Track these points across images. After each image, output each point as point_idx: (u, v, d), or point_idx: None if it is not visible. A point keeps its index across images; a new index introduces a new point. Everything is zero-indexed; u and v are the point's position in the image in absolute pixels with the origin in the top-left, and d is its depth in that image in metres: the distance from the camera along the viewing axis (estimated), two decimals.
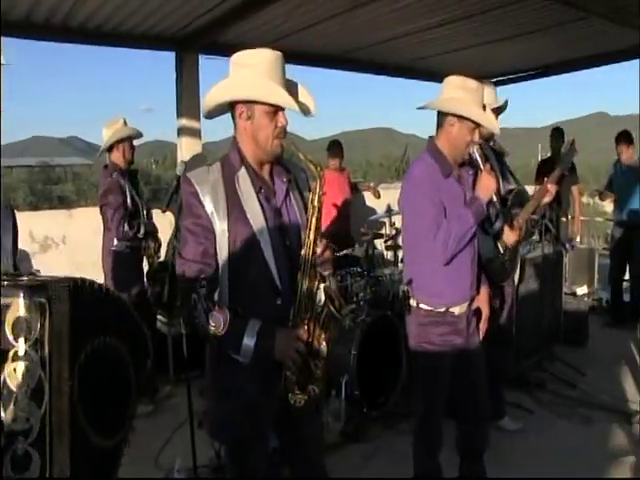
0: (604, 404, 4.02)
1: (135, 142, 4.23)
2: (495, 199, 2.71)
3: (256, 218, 1.84)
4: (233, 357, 1.79)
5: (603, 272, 6.64)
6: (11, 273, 1.90)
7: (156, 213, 4.27)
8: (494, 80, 7.91)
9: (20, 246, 2.37)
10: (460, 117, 2.47)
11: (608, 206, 9.34)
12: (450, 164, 2.54)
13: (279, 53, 1.85)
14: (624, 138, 5.94)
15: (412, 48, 6.66)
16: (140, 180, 4.40)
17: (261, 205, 1.86)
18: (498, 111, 3.33)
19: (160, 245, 4.29)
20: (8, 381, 1.38)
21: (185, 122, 6.24)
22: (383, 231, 5.79)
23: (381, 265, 5.05)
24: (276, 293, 1.85)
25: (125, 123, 4.14)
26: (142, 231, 4.10)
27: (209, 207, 1.81)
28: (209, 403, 2.03)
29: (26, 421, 1.39)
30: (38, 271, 3.88)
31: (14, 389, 1.38)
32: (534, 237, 4.90)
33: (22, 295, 1.39)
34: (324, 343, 1.83)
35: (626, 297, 6.08)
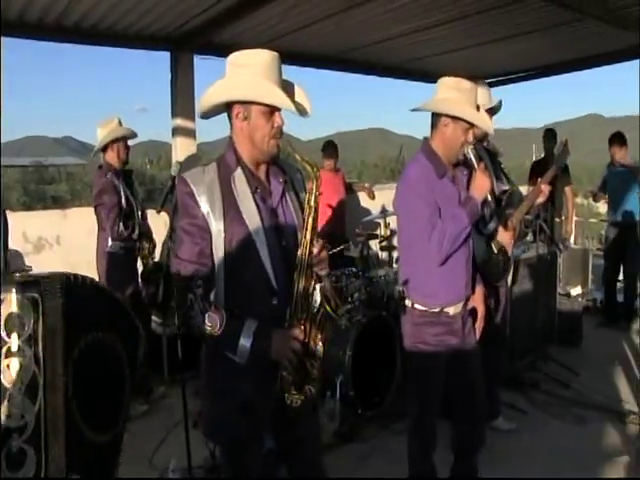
0: (597, 404, 4.04)
1: (129, 142, 4.22)
2: (490, 198, 2.72)
3: (252, 218, 1.84)
4: (229, 357, 1.79)
5: (597, 272, 6.67)
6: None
7: (151, 214, 4.26)
8: (489, 81, 7.94)
9: (14, 246, 2.37)
10: (454, 118, 2.48)
11: (602, 207, 9.39)
12: (444, 165, 2.55)
13: (276, 54, 1.85)
14: (617, 139, 5.96)
15: (407, 49, 6.67)
16: (135, 180, 4.39)
17: (257, 205, 1.86)
18: (492, 112, 3.34)
19: (155, 246, 4.28)
20: (2, 378, 1.37)
21: (180, 122, 6.22)
22: (378, 232, 5.80)
23: (376, 266, 5.06)
24: (272, 293, 1.85)
25: (120, 123, 4.13)
26: (137, 232, 4.09)
27: (205, 207, 1.81)
28: (204, 403, 2.03)
29: (21, 418, 1.38)
30: (30, 268, 3.88)
31: (8, 386, 1.37)
32: (528, 237, 4.93)
33: (14, 291, 1.39)
34: (320, 343, 1.84)
35: (620, 297, 6.11)
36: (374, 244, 5.62)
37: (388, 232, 5.28)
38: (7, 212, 2.51)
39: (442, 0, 5.01)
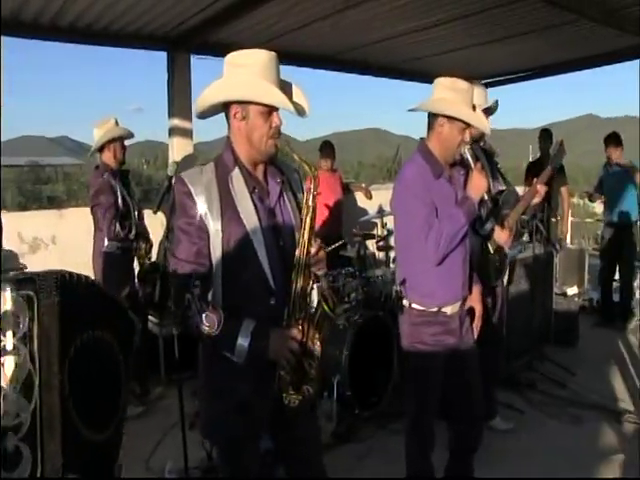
0: (594, 403, 4.05)
1: (126, 142, 4.21)
2: (486, 197, 2.72)
3: (250, 218, 1.84)
4: (227, 357, 1.79)
5: (593, 272, 6.69)
6: None
7: (147, 214, 4.25)
8: (487, 81, 7.96)
9: (9, 247, 2.36)
10: (450, 118, 2.48)
11: (598, 207, 9.42)
12: (441, 165, 2.55)
13: (274, 53, 1.85)
14: (613, 140, 5.98)
15: (405, 49, 6.67)
16: (131, 180, 4.38)
17: (255, 205, 1.86)
18: (488, 112, 3.35)
19: (151, 246, 4.27)
20: None
21: (176, 122, 6.22)
22: (375, 232, 5.80)
23: (373, 266, 5.06)
24: (270, 293, 1.85)
25: (116, 123, 4.12)
26: (133, 232, 4.08)
27: (203, 207, 1.81)
28: (202, 403, 2.03)
29: (16, 416, 1.37)
30: (25, 267, 3.86)
31: (3, 384, 1.36)
32: (524, 238, 4.93)
33: (9, 288, 1.38)
34: (318, 343, 1.84)
35: (616, 297, 6.13)
36: (371, 244, 5.62)
37: (385, 232, 5.28)
38: (2, 212, 2.51)
39: (440, 0, 5.01)
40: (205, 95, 1.88)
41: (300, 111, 1.91)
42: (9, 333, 1.37)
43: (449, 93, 2.50)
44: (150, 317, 4.51)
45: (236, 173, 1.87)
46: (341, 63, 7.35)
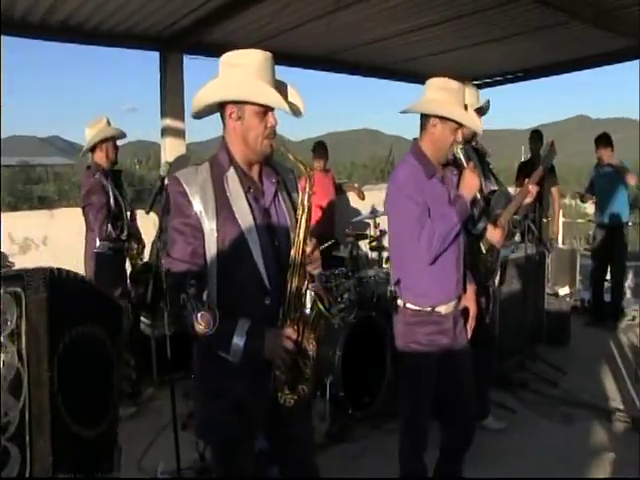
0: (585, 402, 4.07)
1: (118, 142, 4.19)
2: (479, 196, 2.73)
3: (245, 218, 1.84)
4: (222, 357, 1.79)
5: (585, 273, 6.73)
6: None
7: (140, 214, 4.24)
8: (479, 82, 7.99)
9: None
10: (442, 118, 2.49)
11: (589, 207, 9.47)
12: (433, 165, 2.56)
13: (269, 54, 1.86)
14: (603, 141, 6.00)
15: (398, 50, 6.69)
16: (124, 181, 4.36)
17: (250, 205, 1.87)
18: (480, 112, 3.36)
19: (144, 246, 4.26)
20: None
21: (169, 122, 6.20)
22: (368, 232, 5.81)
23: (365, 266, 5.07)
24: (265, 293, 1.86)
25: (108, 123, 4.10)
26: (125, 232, 4.06)
27: (198, 207, 1.81)
28: (197, 403, 2.03)
29: (4, 415, 1.36)
30: (13, 264, 3.84)
31: None
32: (516, 238, 4.95)
33: None
34: (314, 343, 1.84)
35: (607, 297, 6.16)
36: (364, 244, 5.63)
37: (378, 232, 5.28)
38: None
39: (433, 1, 5.03)
40: (200, 95, 1.89)
41: (295, 111, 1.92)
42: None
43: (441, 93, 2.51)
44: (142, 318, 4.49)
45: (231, 173, 1.87)
46: (334, 63, 7.35)
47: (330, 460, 3.29)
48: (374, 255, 5.48)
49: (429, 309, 2.56)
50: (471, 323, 2.76)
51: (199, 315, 1.74)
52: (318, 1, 4.90)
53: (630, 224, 6.45)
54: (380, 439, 3.57)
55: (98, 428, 1.67)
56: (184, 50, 6.13)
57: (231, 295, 1.84)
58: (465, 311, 2.74)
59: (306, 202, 1.84)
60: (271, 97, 1.81)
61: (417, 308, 2.57)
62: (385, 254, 5.28)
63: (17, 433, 1.37)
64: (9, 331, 1.37)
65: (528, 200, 3.23)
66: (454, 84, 2.52)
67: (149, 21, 5.32)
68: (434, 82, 2.55)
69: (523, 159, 8.38)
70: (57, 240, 5.21)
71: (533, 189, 3.18)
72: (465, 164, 2.59)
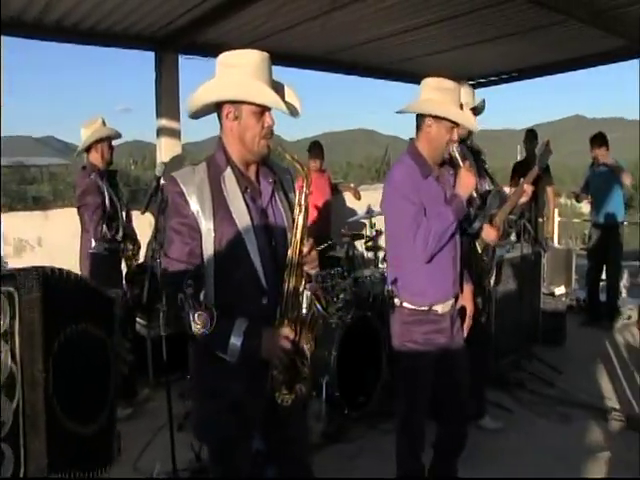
0: (581, 402, 4.08)
1: (113, 142, 4.17)
2: (475, 195, 2.73)
3: (242, 218, 1.84)
4: (219, 357, 1.79)
5: (581, 272, 6.74)
6: None
7: (135, 214, 4.22)
8: (475, 82, 8.00)
9: None
10: (437, 118, 2.49)
11: (585, 207, 9.49)
12: (429, 165, 2.56)
13: (266, 54, 1.85)
14: (599, 140, 6.00)
15: (393, 50, 6.70)
16: (119, 181, 4.35)
17: (247, 205, 1.87)
18: (475, 111, 3.36)
19: (139, 247, 4.24)
20: None
21: (164, 122, 6.19)
22: (363, 232, 5.81)
23: (361, 266, 5.06)
24: (262, 292, 1.86)
25: (104, 123, 4.08)
26: (120, 233, 4.05)
27: (195, 207, 1.81)
28: (194, 403, 2.03)
29: None
30: (7, 264, 3.82)
31: None
32: (512, 237, 4.96)
33: None
34: (311, 342, 1.84)
35: (602, 297, 6.17)
36: (360, 244, 5.63)
37: (374, 232, 5.28)
38: None
39: (429, 1, 5.03)
40: (197, 95, 1.88)
41: (293, 111, 1.92)
42: None
43: (436, 93, 2.51)
44: (138, 319, 4.48)
45: (228, 173, 1.87)
46: (330, 63, 7.36)
47: (326, 460, 3.29)
48: (370, 255, 5.49)
49: (426, 308, 2.56)
50: (468, 323, 2.76)
51: (196, 315, 1.74)
52: (313, 2, 4.90)
53: (626, 223, 6.47)
54: (376, 439, 3.57)
55: (96, 424, 1.66)
56: (179, 50, 6.12)
57: (228, 295, 1.84)
58: (462, 310, 2.74)
59: (303, 202, 1.84)
60: (268, 97, 1.81)
61: (414, 307, 2.57)
62: (381, 254, 5.28)
63: (10, 433, 1.36)
64: (2, 331, 1.36)
65: (523, 200, 3.23)
66: (449, 83, 2.52)
67: (144, 21, 5.31)
68: (429, 82, 2.56)
69: (519, 158, 8.40)
70: (52, 241, 5.18)
71: (528, 189, 3.18)
72: (461, 163, 2.59)
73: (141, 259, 4.28)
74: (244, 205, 1.85)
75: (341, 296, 4.23)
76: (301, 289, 1.84)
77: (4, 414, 1.36)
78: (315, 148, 6.07)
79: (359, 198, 6.39)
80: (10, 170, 25.29)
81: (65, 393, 1.50)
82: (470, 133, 3.40)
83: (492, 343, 4.24)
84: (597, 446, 3.55)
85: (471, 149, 3.53)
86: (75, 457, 1.57)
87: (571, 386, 4.33)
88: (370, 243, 5.31)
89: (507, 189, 5.05)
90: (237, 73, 1.82)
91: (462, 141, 3.30)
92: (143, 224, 4.24)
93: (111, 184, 4.09)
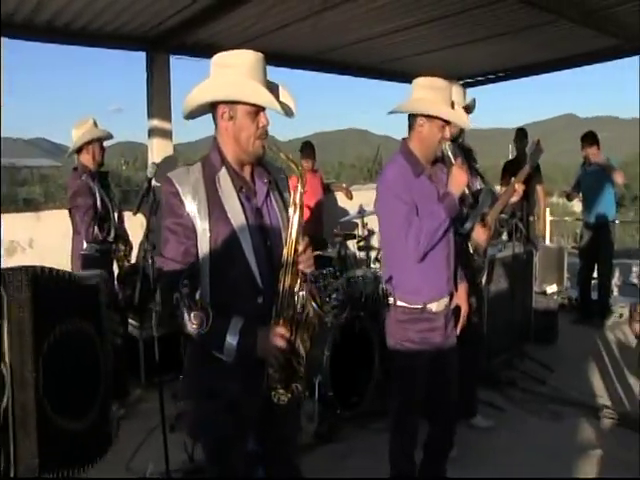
0: (573, 400, 4.10)
1: (105, 143, 4.16)
2: (467, 192, 2.74)
3: (237, 217, 1.84)
4: (215, 356, 1.80)
5: (572, 271, 6.78)
6: None
7: (127, 215, 4.21)
8: (467, 81, 8.02)
9: None
10: (429, 117, 2.50)
11: (577, 205, 9.55)
12: (422, 164, 2.57)
13: (261, 54, 1.86)
14: (589, 139, 6.03)
15: (384, 50, 6.70)
16: (111, 182, 4.33)
17: (242, 205, 1.87)
18: (467, 110, 3.38)
19: (131, 248, 4.23)
20: None
21: (156, 123, 6.17)
22: (356, 232, 5.82)
23: (353, 266, 5.07)
24: (257, 292, 1.86)
25: (95, 124, 4.07)
26: (112, 234, 4.04)
27: (190, 207, 1.81)
28: (190, 403, 2.02)
29: None
30: None
31: None
32: (503, 237, 4.98)
33: None
34: (307, 341, 1.85)
35: (594, 295, 6.21)
36: (352, 244, 5.64)
37: (366, 232, 5.30)
38: None
39: (420, 1, 5.04)
40: (192, 95, 1.89)
41: (287, 111, 1.93)
42: None
43: (427, 92, 2.52)
44: (130, 320, 4.47)
45: (223, 173, 1.87)
46: (321, 63, 7.36)
47: (318, 460, 3.29)
48: (362, 255, 5.50)
49: (420, 306, 2.57)
50: (462, 322, 2.77)
51: (192, 314, 1.74)
52: (303, 2, 4.90)
53: (617, 222, 6.51)
54: (368, 439, 3.57)
55: (88, 419, 1.65)
56: (171, 50, 6.10)
57: (224, 294, 1.85)
58: (456, 310, 2.75)
59: (298, 201, 1.84)
60: (263, 97, 1.82)
61: (409, 306, 2.58)
62: (373, 254, 5.29)
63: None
64: None
65: (514, 199, 3.24)
66: (440, 82, 2.54)
67: (136, 21, 5.29)
68: (420, 82, 2.57)
69: (511, 157, 8.43)
70: (43, 242, 5.15)
71: (519, 188, 3.19)
72: (453, 161, 2.60)
73: (133, 260, 4.27)
74: (239, 205, 1.86)
75: (333, 296, 4.24)
76: (296, 288, 1.85)
77: None
78: (307, 148, 6.07)
79: (351, 198, 6.40)
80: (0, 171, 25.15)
81: (56, 392, 1.49)
82: (461, 132, 3.42)
83: (484, 342, 4.25)
84: (589, 444, 3.57)
85: (462, 148, 3.55)
86: (67, 454, 1.57)
87: (563, 384, 4.35)
88: (362, 243, 5.32)
89: (497, 188, 5.07)
90: (232, 73, 1.83)
91: (453, 140, 3.31)
92: (135, 225, 4.23)
93: (103, 185, 4.08)
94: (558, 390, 4.26)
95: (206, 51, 5.78)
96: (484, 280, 3.95)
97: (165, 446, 3.00)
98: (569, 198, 6.67)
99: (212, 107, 1.88)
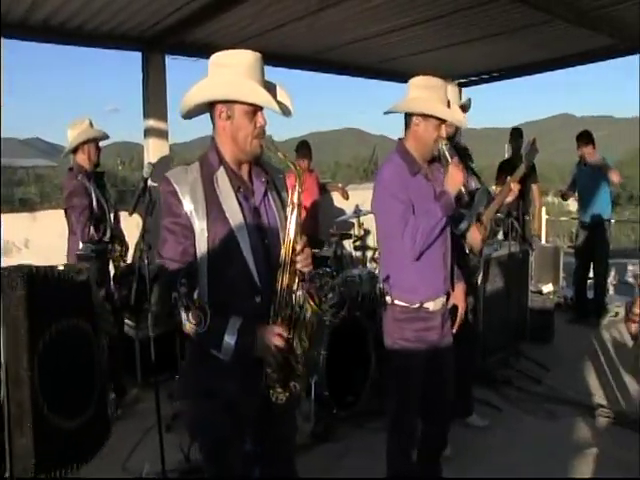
0: (569, 399, 4.11)
1: (101, 143, 4.15)
2: (463, 190, 2.75)
3: (235, 217, 1.85)
4: (213, 355, 1.80)
5: (568, 270, 6.80)
6: None
7: (123, 216, 4.21)
8: (462, 81, 8.03)
9: None
10: (425, 116, 2.51)
11: (572, 205, 9.58)
12: (418, 163, 2.58)
13: (258, 54, 1.87)
14: (585, 138, 6.04)
15: (380, 49, 6.70)
16: (107, 182, 4.33)
17: (240, 204, 1.87)
18: (462, 110, 3.38)
19: (127, 248, 4.23)
20: None
21: (152, 123, 6.16)
22: (352, 232, 5.82)
23: (349, 265, 5.07)
24: (255, 291, 1.86)
25: (91, 124, 4.06)
26: (108, 234, 4.03)
27: (188, 206, 1.82)
28: (188, 402, 2.03)
29: None
30: None
31: None
32: (499, 236, 4.99)
33: None
34: (305, 340, 1.85)
35: (590, 294, 6.22)
36: (348, 244, 5.64)
37: (362, 232, 5.30)
38: None
39: (415, 1, 5.04)
40: (190, 95, 1.89)
41: (285, 111, 1.93)
42: None
43: (423, 92, 2.53)
44: (126, 320, 4.46)
45: (221, 172, 1.88)
46: (317, 63, 7.35)
47: (314, 460, 3.29)
48: (358, 254, 5.50)
49: (417, 305, 2.58)
50: (458, 321, 2.78)
51: (190, 314, 1.75)
52: (299, 2, 4.90)
53: (613, 221, 6.52)
54: (364, 438, 3.58)
55: (84, 416, 1.65)
56: (166, 50, 6.08)
57: (222, 294, 1.85)
58: (453, 309, 2.76)
59: (296, 200, 1.85)
60: (260, 96, 1.82)
61: (405, 304, 2.58)
62: (369, 253, 5.30)
63: None
64: None
65: (510, 198, 3.25)
66: (436, 81, 2.55)
67: (132, 21, 5.27)
68: (416, 81, 2.58)
69: (506, 157, 8.45)
70: (39, 242, 5.14)
71: (515, 187, 3.20)
72: (449, 159, 2.61)
73: (129, 260, 4.26)
74: (237, 204, 1.86)
75: (330, 295, 4.24)
76: (294, 287, 1.85)
77: None
78: (303, 148, 6.06)
79: (347, 198, 6.40)
80: None
81: (52, 390, 1.49)
82: (457, 131, 3.42)
83: (480, 341, 4.27)
84: (584, 443, 3.58)
85: (457, 147, 3.55)
86: (64, 453, 1.56)
87: (558, 383, 4.36)
88: (358, 242, 5.33)
89: (493, 188, 5.08)
90: (229, 73, 1.83)
91: (449, 139, 3.32)
92: (131, 225, 4.23)
93: (98, 185, 4.07)
94: (554, 389, 4.28)
95: (203, 51, 5.77)
96: (480, 279, 3.96)
97: (161, 446, 3.00)
98: (565, 197, 6.68)
99: (210, 106, 1.89)
